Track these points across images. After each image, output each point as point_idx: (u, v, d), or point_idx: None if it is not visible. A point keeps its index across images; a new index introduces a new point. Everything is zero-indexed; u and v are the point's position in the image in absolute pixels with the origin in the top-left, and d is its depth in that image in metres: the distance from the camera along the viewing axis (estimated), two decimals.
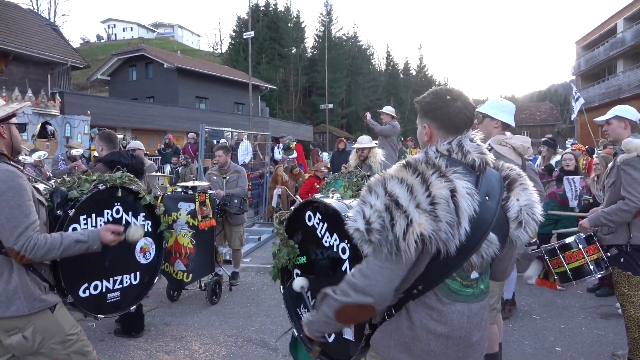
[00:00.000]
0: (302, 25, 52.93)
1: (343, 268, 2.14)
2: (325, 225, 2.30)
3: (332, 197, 2.42)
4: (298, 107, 50.65)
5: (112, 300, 3.17)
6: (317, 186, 8.37)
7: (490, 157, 1.62)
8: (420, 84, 64.56)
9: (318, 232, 2.34)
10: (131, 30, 72.86)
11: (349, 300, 1.48)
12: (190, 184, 5.28)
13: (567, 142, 14.70)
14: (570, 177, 5.94)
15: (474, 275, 1.58)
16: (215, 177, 6.13)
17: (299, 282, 2.27)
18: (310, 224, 2.40)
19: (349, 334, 2.12)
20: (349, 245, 2.15)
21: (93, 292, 2.99)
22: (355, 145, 5.89)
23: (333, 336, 2.21)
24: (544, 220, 1.71)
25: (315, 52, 52.46)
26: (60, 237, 2.18)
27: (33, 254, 2.04)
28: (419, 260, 1.47)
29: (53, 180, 3.10)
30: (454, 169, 1.47)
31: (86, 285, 2.94)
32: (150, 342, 4.24)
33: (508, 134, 3.36)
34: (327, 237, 2.27)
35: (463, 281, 1.56)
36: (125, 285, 3.26)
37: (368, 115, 7.63)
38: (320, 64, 43.86)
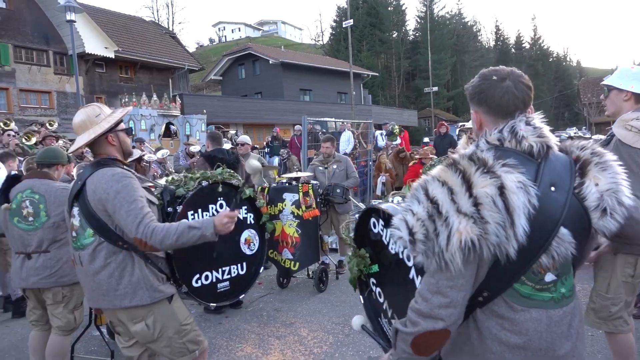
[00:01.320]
0: (403, 8, 51.76)
1: (410, 276, 2.01)
2: (389, 231, 2.18)
3: (392, 201, 2.28)
4: (401, 92, 49.75)
5: (222, 289, 3.37)
6: None
7: (553, 139, 1.38)
8: (534, 58, 59.62)
9: (384, 239, 2.23)
10: (239, 30, 77.06)
11: (419, 330, 1.33)
12: (294, 175, 5.42)
13: None
14: None
15: (549, 277, 1.36)
16: (320, 168, 6.23)
17: (357, 322, 2.16)
18: (375, 230, 2.30)
19: None
20: None
21: (205, 282, 3.21)
22: (466, 126, 5.59)
23: None
24: None
25: (417, 35, 51.03)
26: (176, 224, 2.29)
27: (153, 239, 2.17)
28: (477, 268, 1.31)
29: (164, 179, 3.36)
30: (503, 162, 1.29)
31: (198, 275, 3.17)
32: (262, 327, 4.45)
33: None
34: (392, 244, 2.15)
35: (535, 285, 1.35)
36: (233, 275, 3.46)
37: None
38: (422, 46, 42.56)
